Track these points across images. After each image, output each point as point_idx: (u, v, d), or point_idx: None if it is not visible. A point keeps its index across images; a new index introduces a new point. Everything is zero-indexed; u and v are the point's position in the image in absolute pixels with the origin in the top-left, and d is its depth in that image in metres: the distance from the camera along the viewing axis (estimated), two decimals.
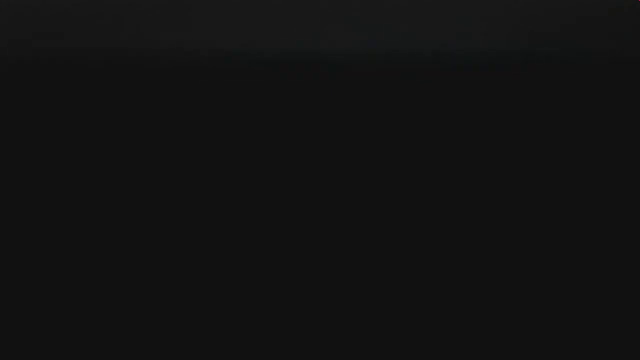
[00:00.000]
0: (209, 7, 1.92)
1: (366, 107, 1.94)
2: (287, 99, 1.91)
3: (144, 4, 1.91)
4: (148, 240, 1.97)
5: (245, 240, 1.97)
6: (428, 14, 1.94)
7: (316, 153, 1.94)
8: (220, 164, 1.95)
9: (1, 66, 1.82)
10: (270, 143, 1.93)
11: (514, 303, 1.99)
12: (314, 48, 1.88)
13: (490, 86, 1.94)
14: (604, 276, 2.00)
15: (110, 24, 1.90)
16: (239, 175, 1.95)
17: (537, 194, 2.00)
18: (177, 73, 1.87)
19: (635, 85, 1.97)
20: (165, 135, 1.92)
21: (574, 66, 2.00)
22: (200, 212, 1.96)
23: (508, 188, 2.00)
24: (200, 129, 1.93)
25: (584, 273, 2.01)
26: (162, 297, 1.98)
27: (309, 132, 1.92)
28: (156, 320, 1.97)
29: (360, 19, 1.93)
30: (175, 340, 1.97)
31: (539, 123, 1.97)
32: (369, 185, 1.99)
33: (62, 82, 1.89)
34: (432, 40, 1.92)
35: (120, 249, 1.98)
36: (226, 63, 1.84)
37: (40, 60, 1.85)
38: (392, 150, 1.95)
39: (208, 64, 1.86)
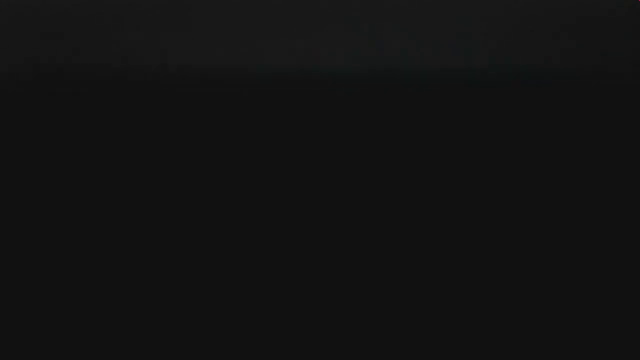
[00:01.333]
0: (200, 24, 1.92)
1: (364, 125, 1.94)
2: (284, 115, 1.91)
3: (137, 17, 1.91)
4: (149, 244, 1.97)
5: (247, 248, 1.97)
6: (427, 29, 1.93)
7: (312, 172, 1.95)
8: (217, 176, 1.95)
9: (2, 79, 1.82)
10: (267, 159, 1.93)
11: (515, 304, 2.00)
12: (311, 66, 1.88)
13: (488, 96, 1.94)
14: (604, 277, 2.00)
15: (102, 39, 1.90)
16: (237, 187, 1.95)
17: (536, 207, 2.01)
18: (168, 89, 1.87)
19: (635, 85, 1.97)
20: (158, 145, 1.92)
21: (574, 66, 1.99)
22: (195, 220, 1.96)
23: (506, 200, 2.00)
24: (196, 145, 1.93)
25: (585, 274, 2.01)
26: (162, 298, 1.98)
27: (306, 148, 1.92)
28: (156, 320, 1.97)
29: (358, 34, 1.93)
30: (175, 340, 1.97)
31: (539, 132, 1.97)
32: (368, 199, 1.99)
33: (58, 97, 1.89)
34: (431, 56, 1.92)
35: (122, 252, 1.98)
36: (224, 79, 1.84)
37: (40, 74, 1.85)
38: (390, 166, 1.95)
39: (202, 81, 1.86)
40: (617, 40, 2.01)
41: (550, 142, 1.97)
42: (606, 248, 1.99)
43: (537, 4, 2.10)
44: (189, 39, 1.93)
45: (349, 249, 1.96)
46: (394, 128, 1.93)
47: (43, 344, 1.97)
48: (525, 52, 1.99)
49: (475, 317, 1.97)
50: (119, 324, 1.96)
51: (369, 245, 1.96)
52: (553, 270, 1.99)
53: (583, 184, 1.98)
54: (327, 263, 1.97)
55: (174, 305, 1.96)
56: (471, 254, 1.97)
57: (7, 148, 1.93)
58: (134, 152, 1.93)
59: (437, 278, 1.97)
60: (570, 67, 1.98)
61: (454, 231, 1.97)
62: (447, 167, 1.96)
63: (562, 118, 1.97)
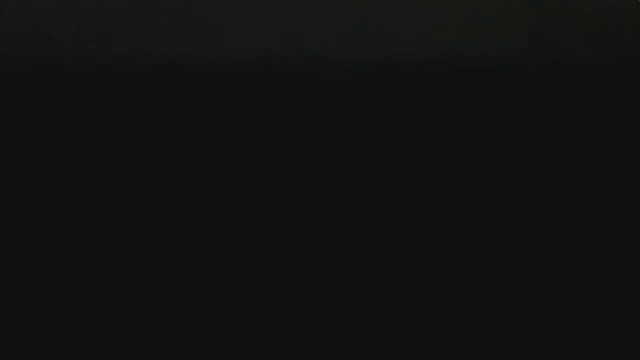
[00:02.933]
0: (204, 13, 1.92)
1: (366, 113, 1.94)
2: (285, 103, 1.91)
3: (137, 10, 1.91)
4: (149, 238, 1.97)
5: (247, 246, 1.97)
6: (426, 17, 1.93)
7: (316, 159, 1.94)
8: (219, 168, 1.94)
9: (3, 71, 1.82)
10: (268, 148, 1.92)
11: (515, 305, 1.99)
12: (314, 52, 1.88)
13: (490, 89, 1.93)
14: (604, 277, 2.00)
15: (101, 33, 1.90)
16: (239, 179, 1.95)
17: (537, 201, 2.00)
18: (168, 79, 1.87)
19: (635, 85, 1.97)
20: (162, 141, 1.92)
21: (573, 66, 1.99)
22: (198, 214, 1.96)
23: (508, 194, 1.99)
24: (197, 133, 1.93)
25: (585, 274, 2.00)
26: (163, 299, 1.97)
27: (308, 137, 1.92)
28: (156, 320, 1.97)
29: (358, 24, 1.93)
30: (175, 340, 1.97)
31: (540, 126, 1.97)
32: (370, 191, 1.98)
33: (60, 89, 1.89)
34: (431, 45, 1.91)
35: (122, 248, 1.98)
36: (225, 67, 1.84)
37: (42, 67, 1.85)
38: (392, 156, 1.95)
39: (203, 69, 1.85)
40: (617, 40, 2.00)
41: (552, 143, 1.97)
42: (606, 246, 1.99)
43: (536, 4, 2.10)
44: (187, 29, 1.93)
45: (348, 243, 1.95)
46: (394, 118, 1.92)
47: (43, 343, 1.97)
48: (524, 54, 1.99)
49: (474, 314, 1.97)
50: (118, 323, 1.96)
51: (368, 241, 1.96)
52: (552, 267, 1.98)
53: (582, 182, 1.98)
54: (326, 257, 1.97)
55: (173, 303, 1.96)
56: (471, 251, 1.97)
57: (7, 143, 1.93)
58: (134, 142, 1.93)
59: (437, 274, 1.97)
60: (569, 67, 1.98)
61: (453, 225, 1.96)
62: (448, 158, 1.95)
63: (562, 120, 1.96)
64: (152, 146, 1.93)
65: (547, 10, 2.09)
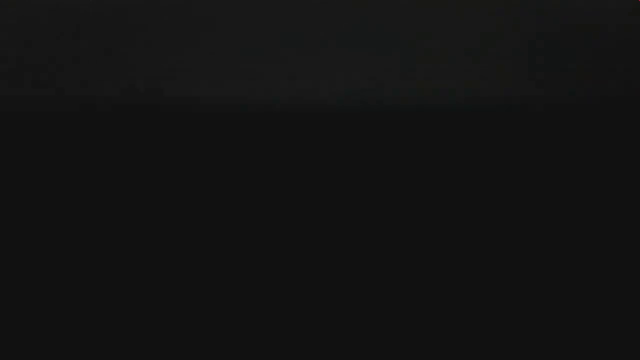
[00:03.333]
0: (200, 55, 1.93)
1: (366, 156, 1.95)
2: (282, 148, 1.92)
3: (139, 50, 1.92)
4: (147, 245, 1.98)
5: (244, 249, 1.98)
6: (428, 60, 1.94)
7: (315, 206, 1.96)
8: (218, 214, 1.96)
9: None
10: (268, 193, 1.94)
11: (515, 306, 2.00)
12: (312, 96, 1.89)
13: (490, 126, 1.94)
14: (604, 277, 2.00)
15: (100, 70, 1.91)
16: (236, 184, 1.96)
17: (537, 201, 2.01)
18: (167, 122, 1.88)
19: (635, 86, 1.97)
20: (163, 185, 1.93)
21: (573, 66, 1.99)
22: (196, 217, 1.97)
23: (507, 195, 2.00)
24: (197, 177, 1.94)
25: (585, 275, 2.01)
26: (163, 299, 1.98)
27: (308, 181, 1.94)
28: (156, 320, 1.98)
29: (359, 66, 1.94)
30: (175, 340, 1.98)
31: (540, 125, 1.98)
32: (370, 191, 1.99)
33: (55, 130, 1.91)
34: (432, 87, 1.92)
35: (118, 257, 1.98)
36: (227, 111, 1.85)
37: (37, 108, 1.86)
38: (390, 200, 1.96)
39: (203, 112, 1.87)
40: (617, 40, 2.00)
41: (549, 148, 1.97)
42: (606, 248, 1.99)
43: (535, 3, 2.10)
44: (181, 67, 1.94)
45: (347, 244, 1.96)
46: (392, 158, 1.93)
47: (43, 343, 1.97)
48: (525, 54, 1.99)
49: (474, 317, 1.97)
50: (118, 324, 1.96)
51: (368, 241, 1.96)
52: (551, 271, 1.99)
53: (580, 186, 1.98)
54: (323, 259, 1.97)
55: (173, 306, 1.96)
56: (469, 257, 1.97)
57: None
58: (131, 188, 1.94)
59: (435, 276, 1.97)
60: (569, 68, 1.98)
61: (453, 224, 1.97)
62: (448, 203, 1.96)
63: (564, 123, 1.96)
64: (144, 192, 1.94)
65: (546, 10, 2.09)
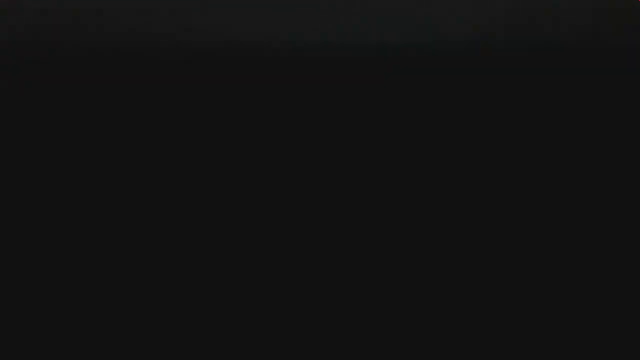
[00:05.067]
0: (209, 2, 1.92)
1: (367, 103, 1.94)
2: (286, 93, 1.91)
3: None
4: (148, 240, 1.97)
5: (246, 237, 1.97)
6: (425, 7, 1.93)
7: (318, 149, 1.94)
8: (219, 160, 1.94)
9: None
10: (271, 139, 1.92)
11: (515, 305, 1.99)
12: (317, 40, 1.88)
13: (487, 82, 1.94)
14: (604, 277, 2.00)
15: (103, 19, 1.91)
16: (240, 171, 1.95)
17: (537, 193, 2.00)
18: (172, 66, 1.87)
19: (635, 84, 1.97)
20: (164, 132, 1.92)
21: (573, 66, 2.00)
22: (199, 208, 1.96)
23: (508, 188, 2.00)
24: (200, 123, 1.93)
25: (584, 274, 2.00)
26: (163, 299, 1.97)
27: (310, 127, 1.92)
28: (156, 321, 1.97)
29: (361, 12, 1.93)
30: (175, 340, 1.97)
31: (538, 123, 1.97)
32: (370, 185, 1.98)
33: (58, 78, 1.89)
34: (430, 31, 1.91)
35: (121, 249, 1.97)
36: (229, 55, 1.84)
37: (40, 56, 1.85)
38: (393, 148, 1.95)
39: (208, 56, 1.86)
40: (617, 39, 2.01)
41: (549, 141, 1.97)
42: (605, 246, 1.99)
43: (535, 3, 2.11)
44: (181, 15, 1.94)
45: (347, 238, 1.95)
46: (395, 110, 1.92)
47: (43, 343, 1.96)
48: (524, 53, 2.00)
49: (474, 315, 1.97)
50: (118, 323, 1.96)
51: (368, 237, 1.96)
52: (551, 265, 1.98)
53: (584, 179, 1.98)
54: (322, 253, 1.97)
55: (173, 303, 1.95)
56: (470, 251, 1.97)
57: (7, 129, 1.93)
58: (132, 134, 1.93)
59: (434, 272, 1.96)
60: (569, 67, 1.98)
61: (454, 222, 1.96)
62: (449, 152, 1.95)
63: (560, 117, 1.97)
64: (149, 132, 1.93)
65: (546, 9, 2.09)
